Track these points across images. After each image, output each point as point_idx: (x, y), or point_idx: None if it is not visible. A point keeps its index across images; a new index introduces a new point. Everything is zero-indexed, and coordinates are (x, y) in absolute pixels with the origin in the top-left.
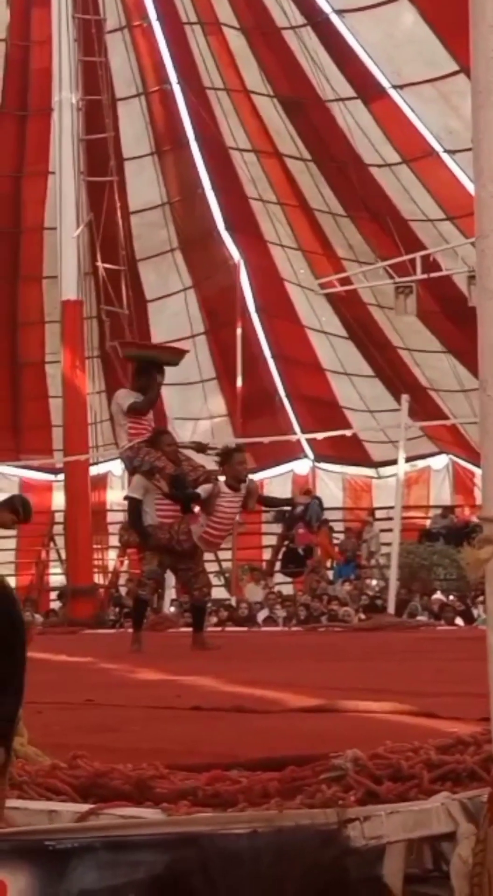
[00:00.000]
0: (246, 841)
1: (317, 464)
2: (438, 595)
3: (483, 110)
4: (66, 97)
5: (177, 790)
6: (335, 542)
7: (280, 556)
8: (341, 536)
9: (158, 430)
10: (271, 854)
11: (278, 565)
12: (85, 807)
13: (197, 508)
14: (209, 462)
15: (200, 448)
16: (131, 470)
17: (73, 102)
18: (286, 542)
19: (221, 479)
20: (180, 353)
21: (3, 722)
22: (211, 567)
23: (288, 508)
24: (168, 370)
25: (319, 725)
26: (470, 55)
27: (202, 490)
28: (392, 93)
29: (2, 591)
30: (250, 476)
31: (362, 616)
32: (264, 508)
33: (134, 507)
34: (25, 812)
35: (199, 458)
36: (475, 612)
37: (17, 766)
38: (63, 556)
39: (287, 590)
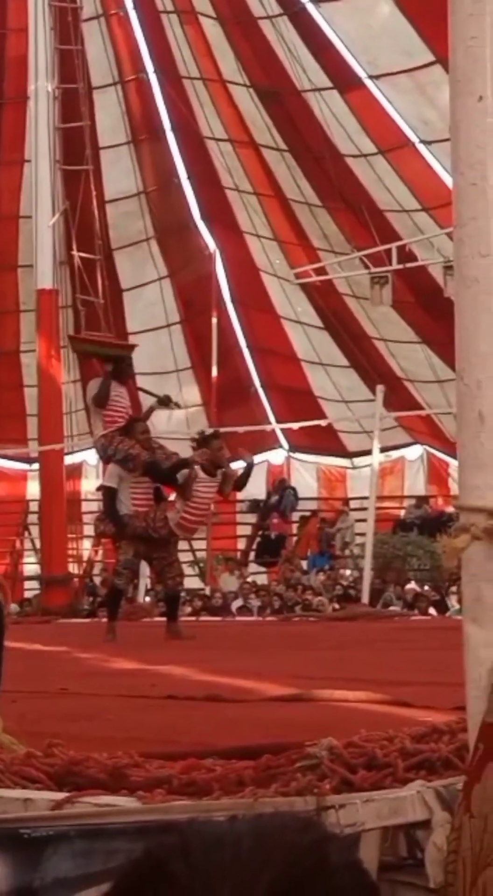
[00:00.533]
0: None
1: (292, 454)
2: (412, 585)
3: (461, 98)
4: (42, 85)
5: (152, 778)
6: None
7: (255, 546)
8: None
9: (131, 418)
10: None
11: (252, 555)
12: (60, 795)
13: (173, 496)
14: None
15: (166, 402)
16: (105, 459)
17: (49, 91)
18: (261, 532)
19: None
20: (128, 348)
21: None
22: (186, 557)
23: (263, 498)
24: (147, 359)
25: (293, 714)
26: (449, 43)
27: (180, 476)
28: (368, 83)
29: None
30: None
31: (336, 606)
32: (238, 498)
33: (109, 495)
34: (0, 800)
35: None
36: (448, 601)
37: None
38: (37, 545)
39: (262, 580)
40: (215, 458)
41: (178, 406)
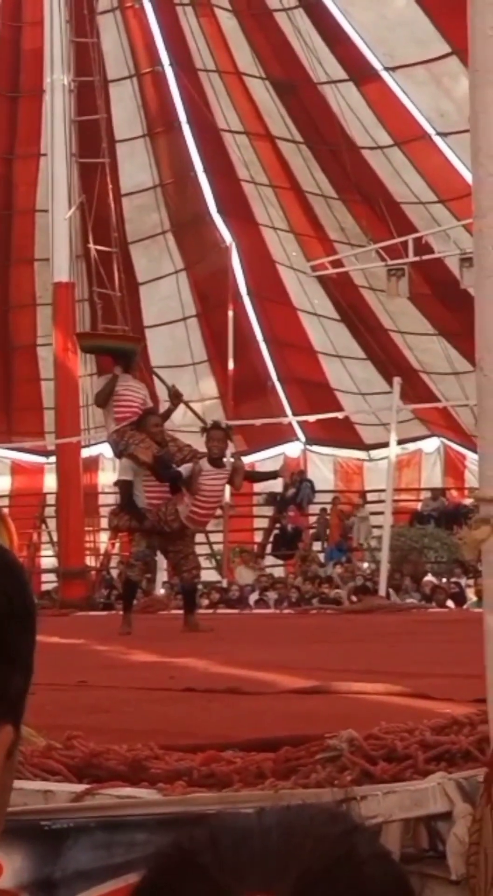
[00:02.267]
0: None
1: (308, 446)
2: (429, 577)
3: (481, 89)
4: (57, 78)
5: (172, 770)
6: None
7: (271, 539)
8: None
9: (146, 410)
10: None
11: (269, 548)
12: (80, 787)
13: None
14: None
15: (177, 395)
16: (118, 454)
17: (65, 84)
18: (278, 525)
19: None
20: (135, 341)
21: (13, 700)
22: (202, 550)
23: (280, 491)
24: (163, 352)
25: (312, 707)
26: (468, 33)
27: (184, 469)
28: (384, 75)
29: (17, 569)
30: (241, 456)
31: (354, 598)
32: (255, 491)
33: (126, 489)
34: (21, 792)
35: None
36: (466, 594)
37: None
38: (55, 538)
39: (278, 572)
40: (208, 449)
41: (179, 398)
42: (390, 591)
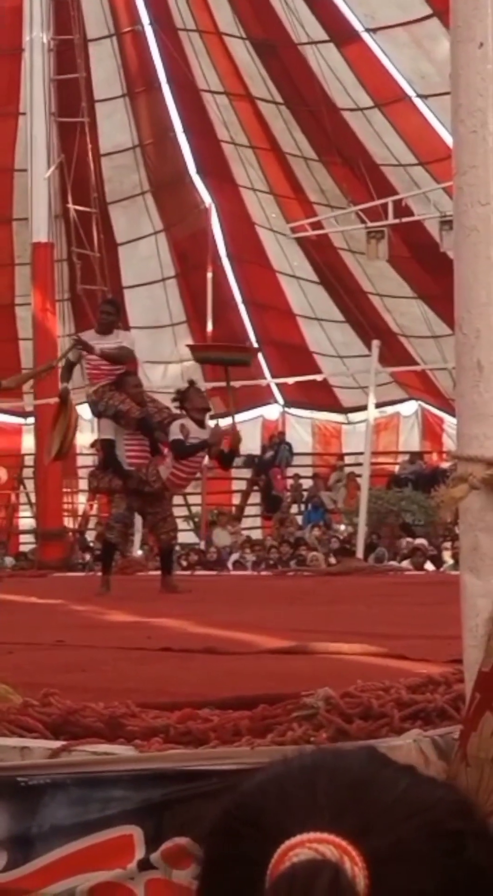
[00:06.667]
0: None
1: (287, 409)
2: (410, 539)
3: (462, 44)
4: (37, 37)
5: (149, 727)
6: (305, 489)
7: (251, 501)
8: (310, 482)
9: (125, 371)
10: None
11: (247, 510)
12: (57, 743)
13: (165, 450)
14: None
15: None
16: (97, 414)
17: (45, 42)
18: (256, 487)
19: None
20: (251, 352)
21: None
22: (181, 511)
23: (257, 453)
24: (142, 313)
25: (289, 666)
26: None
27: (175, 427)
28: (365, 36)
29: None
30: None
31: (332, 561)
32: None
33: (109, 448)
34: None
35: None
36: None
37: None
38: (33, 499)
39: (256, 535)
40: (197, 405)
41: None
42: (384, 550)
